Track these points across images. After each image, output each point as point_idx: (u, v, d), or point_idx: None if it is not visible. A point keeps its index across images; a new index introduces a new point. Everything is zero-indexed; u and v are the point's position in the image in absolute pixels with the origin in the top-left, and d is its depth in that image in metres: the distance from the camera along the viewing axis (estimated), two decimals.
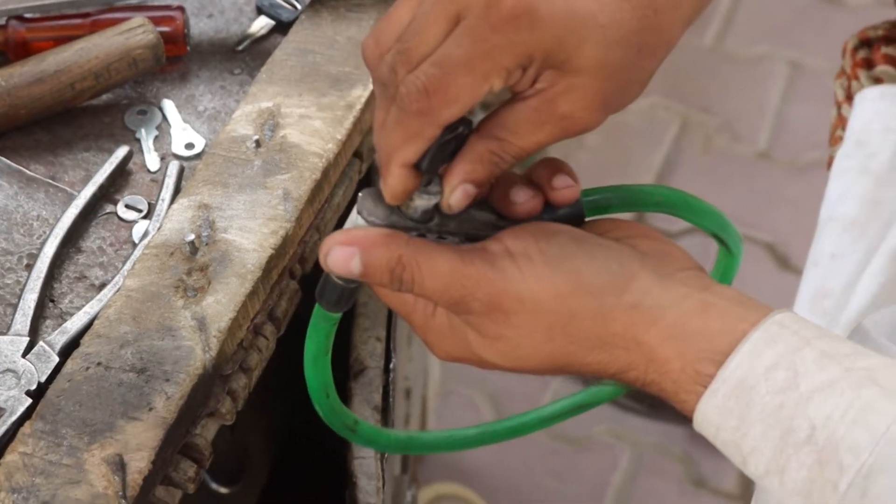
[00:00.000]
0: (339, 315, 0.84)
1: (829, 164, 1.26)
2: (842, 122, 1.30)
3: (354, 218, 0.81)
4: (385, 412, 1.15)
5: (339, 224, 1.09)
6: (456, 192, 0.76)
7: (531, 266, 0.76)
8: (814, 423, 0.73)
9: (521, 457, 2.21)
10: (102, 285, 1.00)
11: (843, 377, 0.74)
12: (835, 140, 1.29)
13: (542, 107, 0.75)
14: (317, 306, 0.84)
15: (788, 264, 2.43)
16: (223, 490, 1.50)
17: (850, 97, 1.28)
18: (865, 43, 1.30)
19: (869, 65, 1.27)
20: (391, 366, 1.16)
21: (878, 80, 1.25)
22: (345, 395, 1.17)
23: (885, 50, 1.26)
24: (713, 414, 0.75)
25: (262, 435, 1.50)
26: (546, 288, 0.76)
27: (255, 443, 1.49)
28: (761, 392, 0.74)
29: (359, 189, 1.13)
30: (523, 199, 0.79)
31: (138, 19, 1.11)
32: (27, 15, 1.15)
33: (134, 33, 1.10)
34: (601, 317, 0.77)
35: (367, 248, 0.77)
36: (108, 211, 1.05)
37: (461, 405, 2.25)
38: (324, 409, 0.91)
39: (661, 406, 2.22)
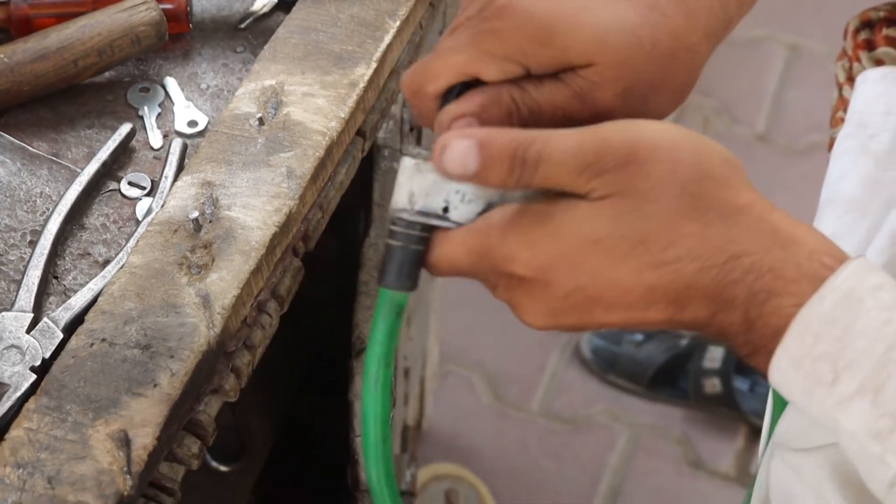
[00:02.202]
0: (405, 299, 0.79)
1: (830, 146, 1.27)
2: (843, 103, 1.30)
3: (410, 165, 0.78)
4: None
5: (343, 201, 1.09)
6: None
7: (664, 123, 0.75)
8: None
9: (519, 437, 2.21)
10: (106, 262, 1.00)
11: None
12: (836, 122, 1.30)
13: (566, 78, 0.79)
14: (380, 293, 0.79)
15: None
16: (223, 468, 1.51)
17: (851, 79, 1.28)
18: (867, 24, 1.30)
19: (870, 46, 1.27)
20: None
21: (879, 62, 1.25)
22: (346, 373, 1.17)
23: (886, 31, 1.27)
24: (816, 322, 0.72)
25: (262, 413, 1.50)
26: (683, 139, 0.74)
27: (256, 421, 1.49)
28: (868, 306, 0.72)
29: (362, 167, 1.14)
30: None
31: None
32: None
33: (137, 10, 1.10)
34: (730, 185, 0.75)
35: (484, 137, 0.74)
36: (111, 188, 1.05)
37: (459, 386, 2.26)
38: (377, 461, 0.82)
39: (658, 386, 2.23)
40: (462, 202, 0.77)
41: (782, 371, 0.74)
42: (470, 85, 0.79)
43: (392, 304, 0.79)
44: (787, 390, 0.75)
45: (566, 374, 2.29)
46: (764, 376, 0.77)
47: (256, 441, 1.52)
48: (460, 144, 0.73)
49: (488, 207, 0.77)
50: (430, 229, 0.78)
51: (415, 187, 0.77)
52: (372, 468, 0.81)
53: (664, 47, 0.81)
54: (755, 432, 2.20)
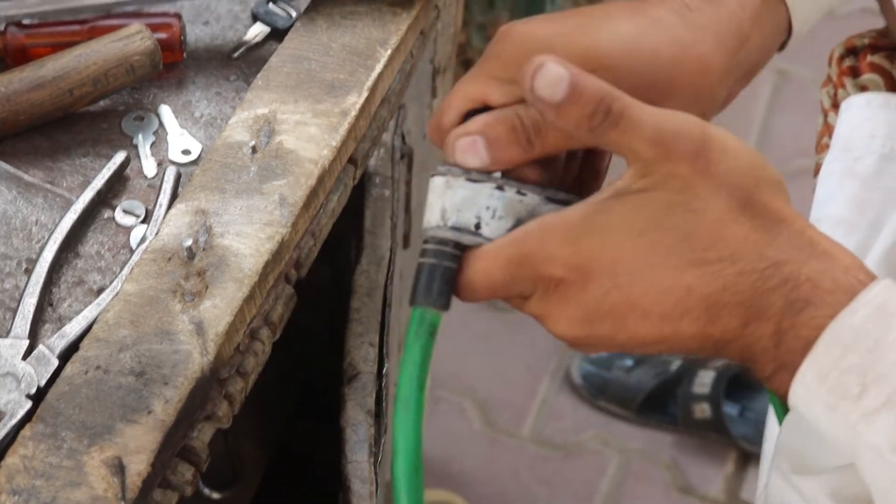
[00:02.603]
0: (439, 318, 0.78)
1: (816, 171, 1.28)
2: (828, 129, 1.31)
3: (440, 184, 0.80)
4: (378, 417, 1.16)
5: (334, 229, 1.10)
6: (462, 141, 0.76)
7: (731, 136, 0.77)
8: None
9: (510, 463, 2.22)
10: (101, 290, 1.01)
11: None
12: (821, 147, 1.31)
13: None
14: (413, 313, 0.78)
15: None
16: (216, 495, 1.51)
17: (836, 105, 1.30)
18: (851, 51, 1.31)
19: (855, 73, 1.29)
20: (384, 371, 1.17)
21: (863, 88, 1.27)
22: (338, 400, 1.18)
23: (870, 58, 1.28)
24: (847, 334, 0.73)
25: (254, 440, 1.51)
26: (746, 146, 0.76)
27: (248, 448, 1.49)
28: None
29: (353, 194, 1.15)
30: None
31: (136, 26, 1.12)
32: (26, 21, 1.16)
33: (131, 40, 1.11)
34: (779, 197, 0.76)
35: (578, 74, 0.73)
36: (105, 216, 1.06)
37: (450, 412, 2.26)
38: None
39: (648, 412, 2.24)
40: (493, 218, 0.78)
41: (806, 385, 0.74)
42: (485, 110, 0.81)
43: (425, 324, 0.78)
44: (808, 406, 0.75)
45: (557, 400, 2.29)
46: (782, 398, 0.77)
47: (248, 468, 1.52)
48: (556, 70, 0.73)
49: (518, 223, 0.78)
50: (463, 248, 0.78)
51: (446, 203, 0.78)
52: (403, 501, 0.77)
53: (666, 54, 0.83)
54: (745, 457, 2.21)
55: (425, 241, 0.79)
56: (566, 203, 0.79)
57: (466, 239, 0.78)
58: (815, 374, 0.74)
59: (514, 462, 2.22)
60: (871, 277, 0.75)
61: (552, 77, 0.73)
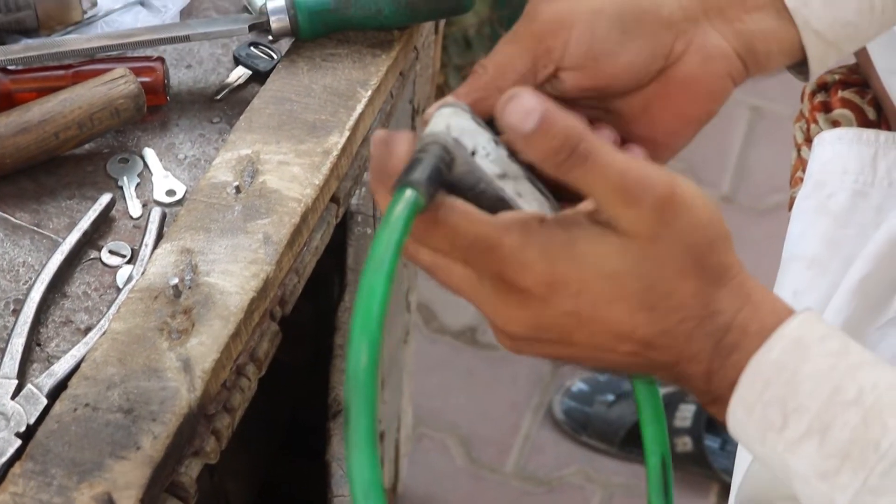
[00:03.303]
0: (421, 205, 0.76)
1: (791, 206, 1.30)
2: (802, 164, 1.34)
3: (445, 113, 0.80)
4: None
5: (318, 266, 1.12)
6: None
7: (693, 191, 0.78)
8: (862, 387, 0.75)
9: (493, 499, 2.23)
10: (88, 329, 1.03)
11: (883, 361, 0.77)
12: (795, 182, 1.33)
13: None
14: (399, 191, 0.76)
15: None
16: None
17: (809, 140, 1.32)
18: (823, 87, 1.34)
19: (826, 108, 1.32)
20: None
21: (835, 123, 1.30)
22: (324, 436, 1.20)
23: (841, 94, 1.31)
24: (766, 368, 0.76)
25: (241, 476, 1.52)
26: (707, 199, 0.78)
27: (235, 485, 1.50)
28: (814, 352, 0.76)
29: (336, 233, 1.17)
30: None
31: (120, 70, 1.14)
32: (10, 67, 1.18)
33: (116, 84, 1.13)
34: (727, 252, 0.79)
35: (551, 109, 0.74)
36: (92, 257, 1.08)
37: (433, 448, 2.27)
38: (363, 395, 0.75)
39: (630, 446, 2.25)
40: (486, 157, 0.80)
41: (737, 419, 0.78)
42: None
43: (410, 205, 0.76)
44: (744, 438, 0.79)
45: (539, 435, 2.31)
46: (724, 427, 0.81)
47: None
48: (530, 100, 0.74)
49: (503, 175, 0.80)
50: (453, 162, 0.79)
51: (452, 122, 0.80)
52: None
53: (630, 16, 0.89)
54: (726, 490, 2.22)
55: (424, 140, 0.80)
56: (542, 192, 0.81)
57: (462, 156, 0.79)
58: (743, 408, 0.77)
59: (498, 498, 2.23)
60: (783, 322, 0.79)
61: (525, 107, 0.74)
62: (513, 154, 0.81)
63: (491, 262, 0.77)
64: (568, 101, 0.89)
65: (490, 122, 0.82)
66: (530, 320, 0.79)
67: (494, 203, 0.80)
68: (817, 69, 0.95)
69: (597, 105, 0.92)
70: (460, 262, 0.79)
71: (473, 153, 0.80)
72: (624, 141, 0.91)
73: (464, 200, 0.78)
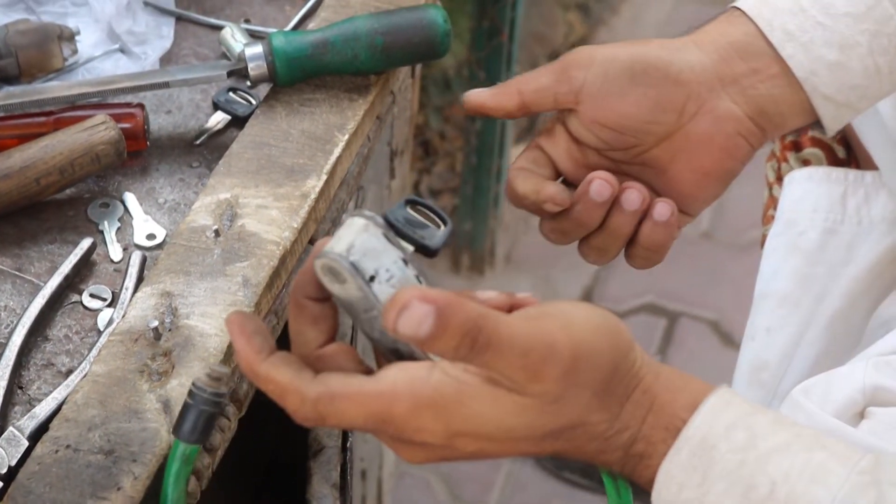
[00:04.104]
0: (196, 452, 0.90)
1: (763, 243, 1.33)
2: (773, 202, 1.36)
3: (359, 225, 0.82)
4: (343, 490, 1.19)
5: None
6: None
7: (591, 311, 0.81)
8: (774, 480, 0.79)
9: None
10: (69, 371, 1.04)
11: (795, 441, 0.80)
12: (767, 219, 1.36)
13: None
14: (175, 446, 0.90)
15: (732, 341, 2.50)
16: None
17: (780, 178, 1.34)
18: None
19: (797, 147, 1.34)
20: (348, 444, 1.20)
21: (806, 162, 1.32)
22: (304, 474, 1.21)
23: (811, 133, 1.33)
24: (678, 471, 0.80)
25: None
26: (606, 342, 0.81)
27: None
28: (722, 450, 0.79)
29: None
30: (491, 295, 0.86)
31: (100, 116, 1.16)
32: None
33: (96, 130, 1.15)
34: (631, 374, 0.82)
35: (444, 307, 0.76)
36: (73, 300, 1.10)
37: (416, 486, 2.28)
38: None
39: None
40: (387, 282, 0.81)
41: None
42: None
43: (188, 459, 0.90)
44: None
45: (522, 472, 2.32)
46: None
47: None
48: (420, 309, 0.76)
49: None
50: (222, 397, 0.88)
51: (357, 242, 0.81)
52: None
53: (639, 67, 0.99)
54: None
55: (195, 385, 0.89)
56: None
57: (359, 282, 0.80)
58: (669, 494, 0.81)
59: None
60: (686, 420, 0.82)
61: (417, 316, 0.76)
62: (422, 272, 0.82)
63: (389, 429, 0.81)
64: (601, 153, 1.01)
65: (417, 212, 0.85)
66: (432, 457, 0.82)
67: (385, 332, 0.82)
68: (834, 126, 1.02)
69: (630, 159, 1.01)
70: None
71: (373, 278, 0.81)
72: (657, 192, 1.01)
73: (345, 377, 0.81)
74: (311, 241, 1.15)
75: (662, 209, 0.99)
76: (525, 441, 0.81)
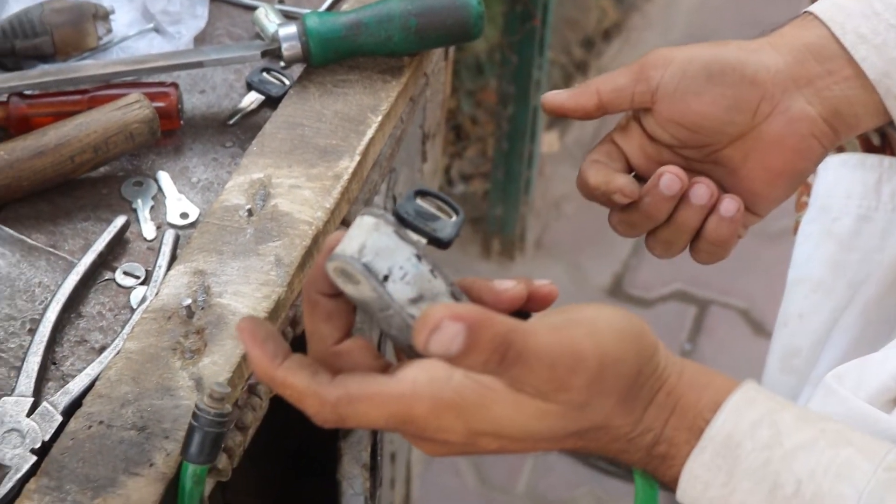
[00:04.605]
0: (206, 471, 0.92)
1: (795, 229, 1.32)
2: (807, 188, 1.35)
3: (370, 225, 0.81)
4: (373, 471, 1.19)
5: None
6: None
7: (616, 315, 0.82)
8: (800, 478, 0.78)
9: None
10: (102, 348, 1.05)
11: (821, 437, 0.80)
12: (800, 206, 1.35)
13: None
14: (185, 468, 0.92)
15: (763, 329, 2.49)
16: None
17: None
18: None
19: None
20: None
21: (840, 149, 1.31)
22: (334, 455, 1.21)
23: None
24: (702, 471, 0.80)
25: (250, 495, 1.53)
26: (631, 346, 0.81)
27: (246, 502, 1.52)
28: (747, 448, 0.79)
29: None
30: (508, 286, 0.85)
31: (135, 95, 1.16)
32: (27, 91, 1.20)
33: (131, 108, 1.15)
34: (655, 377, 0.82)
35: (474, 324, 0.75)
36: (106, 278, 1.10)
37: (445, 470, 2.29)
38: None
39: None
40: (401, 280, 0.80)
41: None
42: None
43: (194, 477, 0.92)
44: None
45: (550, 456, 2.32)
46: None
47: None
48: (451, 328, 0.75)
49: (419, 298, 0.81)
50: (226, 416, 0.90)
51: (368, 242, 0.80)
52: None
53: (716, 66, 1.00)
54: None
55: (198, 407, 0.91)
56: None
57: (372, 282, 0.80)
58: (689, 502, 0.81)
59: None
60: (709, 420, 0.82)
61: (448, 335, 0.75)
62: (438, 267, 0.82)
63: (410, 429, 0.81)
64: (674, 151, 1.03)
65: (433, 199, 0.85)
66: (456, 452, 0.82)
67: (403, 329, 0.82)
68: None
69: (702, 157, 1.02)
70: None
71: (386, 277, 0.80)
72: (726, 191, 1.02)
73: (363, 378, 0.81)
74: (343, 222, 1.15)
75: (729, 205, 1.00)
76: (547, 441, 0.81)
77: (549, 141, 2.72)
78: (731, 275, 2.57)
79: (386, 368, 0.83)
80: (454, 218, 0.86)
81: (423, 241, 0.83)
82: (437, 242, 0.84)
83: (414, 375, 0.80)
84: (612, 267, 2.63)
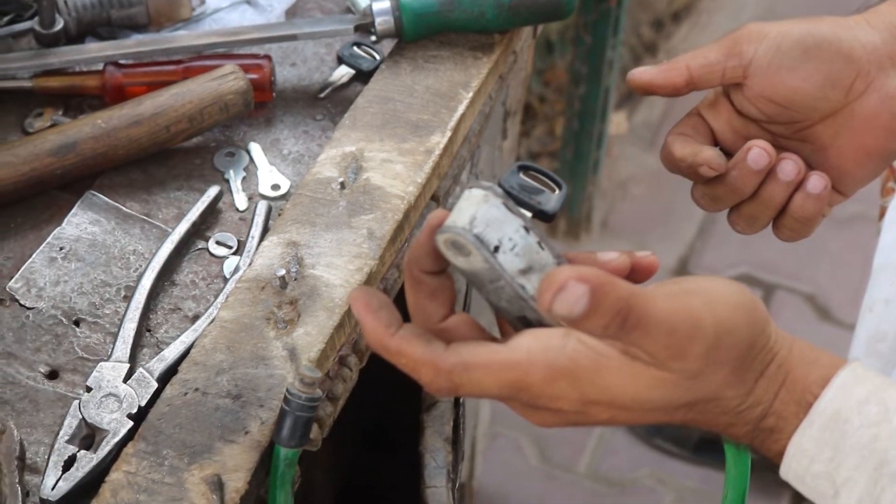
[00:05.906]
0: (297, 455, 0.94)
1: (881, 215, 1.32)
2: (892, 174, 1.35)
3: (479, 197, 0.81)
4: (455, 444, 1.20)
5: None
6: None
7: (732, 287, 0.82)
8: None
9: (566, 499, 2.25)
10: (196, 317, 1.06)
11: None
12: (887, 191, 1.34)
13: None
14: (276, 451, 0.94)
15: (829, 315, 2.48)
16: None
17: None
18: None
19: None
20: (461, 400, 1.21)
21: None
22: (417, 428, 1.22)
23: None
24: (809, 445, 0.80)
25: (325, 468, 1.55)
26: (745, 318, 0.81)
27: (320, 476, 1.53)
28: (855, 425, 0.79)
29: None
30: (612, 257, 0.86)
31: (229, 66, 1.17)
32: (122, 61, 1.21)
33: (225, 80, 1.16)
34: (766, 350, 0.82)
35: (598, 286, 0.77)
36: (199, 247, 1.11)
37: (508, 447, 2.30)
38: None
39: (703, 451, 2.26)
40: (511, 251, 0.81)
41: (790, 480, 0.82)
42: None
43: (286, 460, 0.94)
44: (803, 492, 0.83)
45: (613, 437, 2.32)
46: None
47: (319, 496, 1.56)
48: (577, 289, 0.76)
49: (528, 269, 0.81)
50: (316, 401, 0.92)
51: (479, 214, 0.80)
52: None
53: (812, 40, 0.99)
54: (799, 496, 2.23)
55: (289, 392, 0.93)
56: None
57: (483, 253, 0.80)
58: (793, 476, 0.82)
59: (570, 498, 2.25)
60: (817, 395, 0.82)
61: (573, 296, 0.77)
62: (545, 238, 0.82)
63: (523, 397, 0.81)
64: (763, 126, 1.02)
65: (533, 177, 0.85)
66: (564, 422, 0.83)
67: (513, 300, 0.82)
68: None
69: (791, 134, 1.01)
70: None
71: (497, 248, 0.81)
72: (811, 167, 1.00)
73: (477, 346, 0.81)
74: (434, 197, 1.16)
75: (816, 182, 0.99)
76: (658, 411, 0.81)
77: (617, 122, 2.71)
78: (797, 260, 2.56)
79: (494, 342, 0.84)
80: (557, 192, 0.86)
81: (529, 214, 0.84)
82: (542, 215, 0.85)
83: (528, 343, 0.80)
84: (678, 249, 2.62)
